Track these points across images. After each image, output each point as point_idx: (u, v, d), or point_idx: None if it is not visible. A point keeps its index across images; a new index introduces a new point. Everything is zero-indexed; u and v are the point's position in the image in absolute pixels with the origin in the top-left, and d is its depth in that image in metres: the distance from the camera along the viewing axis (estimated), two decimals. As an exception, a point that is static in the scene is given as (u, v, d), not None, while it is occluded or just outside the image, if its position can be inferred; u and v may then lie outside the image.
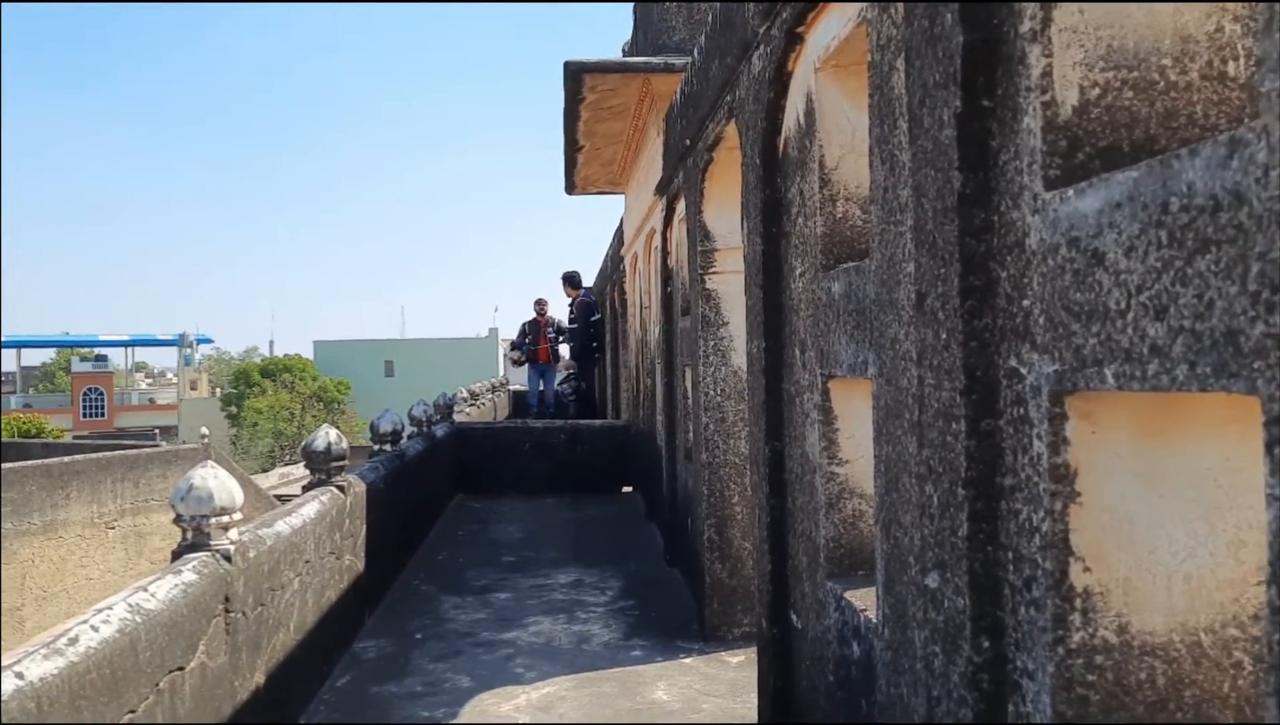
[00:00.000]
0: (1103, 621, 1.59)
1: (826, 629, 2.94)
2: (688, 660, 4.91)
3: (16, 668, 2.10)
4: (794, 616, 3.36)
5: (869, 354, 2.50)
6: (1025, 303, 1.68)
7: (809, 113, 3.08)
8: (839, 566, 2.96)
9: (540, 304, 14.76)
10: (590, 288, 15.22)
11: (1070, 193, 1.54)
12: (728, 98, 4.11)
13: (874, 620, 2.53)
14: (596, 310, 14.34)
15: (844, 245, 2.95)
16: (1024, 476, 1.70)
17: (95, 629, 2.43)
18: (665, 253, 6.75)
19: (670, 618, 5.65)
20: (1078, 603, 1.62)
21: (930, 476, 1.98)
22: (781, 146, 3.40)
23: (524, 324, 14.89)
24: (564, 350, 14.83)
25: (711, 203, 5.08)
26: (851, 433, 2.96)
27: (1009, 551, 1.76)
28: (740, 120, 3.86)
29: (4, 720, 1.98)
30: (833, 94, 2.98)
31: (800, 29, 3.09)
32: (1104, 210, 1.44)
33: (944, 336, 1.89)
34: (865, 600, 2.70)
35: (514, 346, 15.14)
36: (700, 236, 5.13)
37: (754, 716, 3.91)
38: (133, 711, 2.52)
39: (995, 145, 1.79)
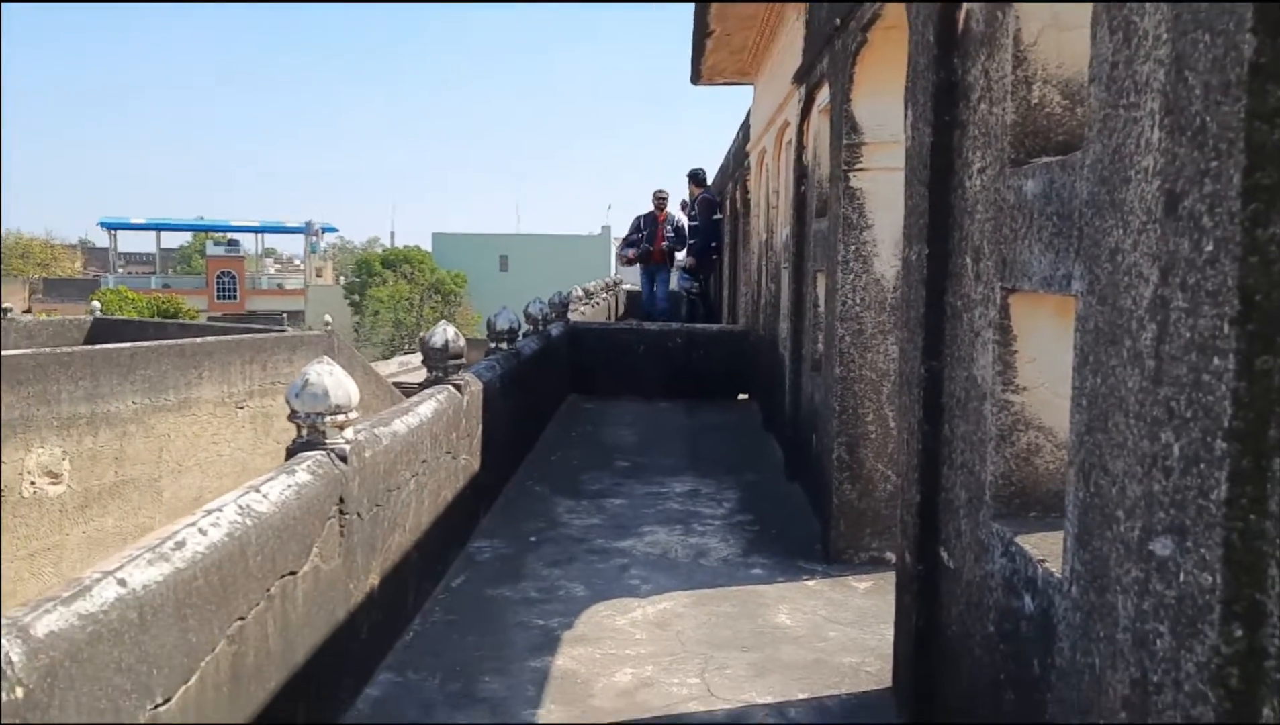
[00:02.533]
0: None
1: (989, 574, 2.62)
2: (810, 582, 4.66)
3: (119, 573, 1.96)
4: (944, 554, 3.03)
5: (1074, 266, 2.10)
6: (1341, 208, 1.28)
7: (1003, -22, 2.61)
8: (1007, 506, 2.61)
9: (660, 197, 13.24)
10: (710, 186, 14.64)
11: None
12: (893, -32, 3.61)
13: (1057, 574, 2.19)
14: (719, 209, 13.82)
15: (1039, 136, 2.52)
16: (1314, 431, 1.32)
17: (203, 532, 2.29)
18: (800, 147, 6.27)
19: (791, 535, 5.40)
20: (1379, 596, 1.26)
21: (1170, 421, 1.61)
22: (962, 21, 2.93)
23: (638, 218, 13.42)
24: (679, 252, 13.81)
25: (862, 91, 4.59)
26: (1033, 356, 2.57)
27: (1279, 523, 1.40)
28: (910, -8, 3.38)
29: (104, 630, 1.84)
30: (1038, -46, 2.50)
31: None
32: None
33: (1209, 248, 1.49)
34: (1042, 548, 2.36)
35: (626, 242, 13.71)
36: (846, 129, 4.67)
37: (884, 648, 3.65)
38: (241, 619, 2.40)
39: (1308, -2, 1.36)
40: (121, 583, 1.95)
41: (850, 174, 4.69)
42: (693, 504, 6.09)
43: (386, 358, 36.31)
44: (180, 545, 2.19)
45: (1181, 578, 1.56)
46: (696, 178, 13.36)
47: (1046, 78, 2.56)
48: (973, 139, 2.84)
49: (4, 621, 1.68)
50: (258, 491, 2.65)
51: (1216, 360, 1.47)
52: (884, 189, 4.58)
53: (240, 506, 2.51)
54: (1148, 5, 1.77)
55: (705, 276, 14.11)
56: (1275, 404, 1.40)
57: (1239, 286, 1.42)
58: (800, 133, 6.25)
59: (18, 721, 1.60)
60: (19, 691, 1.60)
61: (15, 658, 1.61)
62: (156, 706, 2.02)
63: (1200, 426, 1.51)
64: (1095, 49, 2.02)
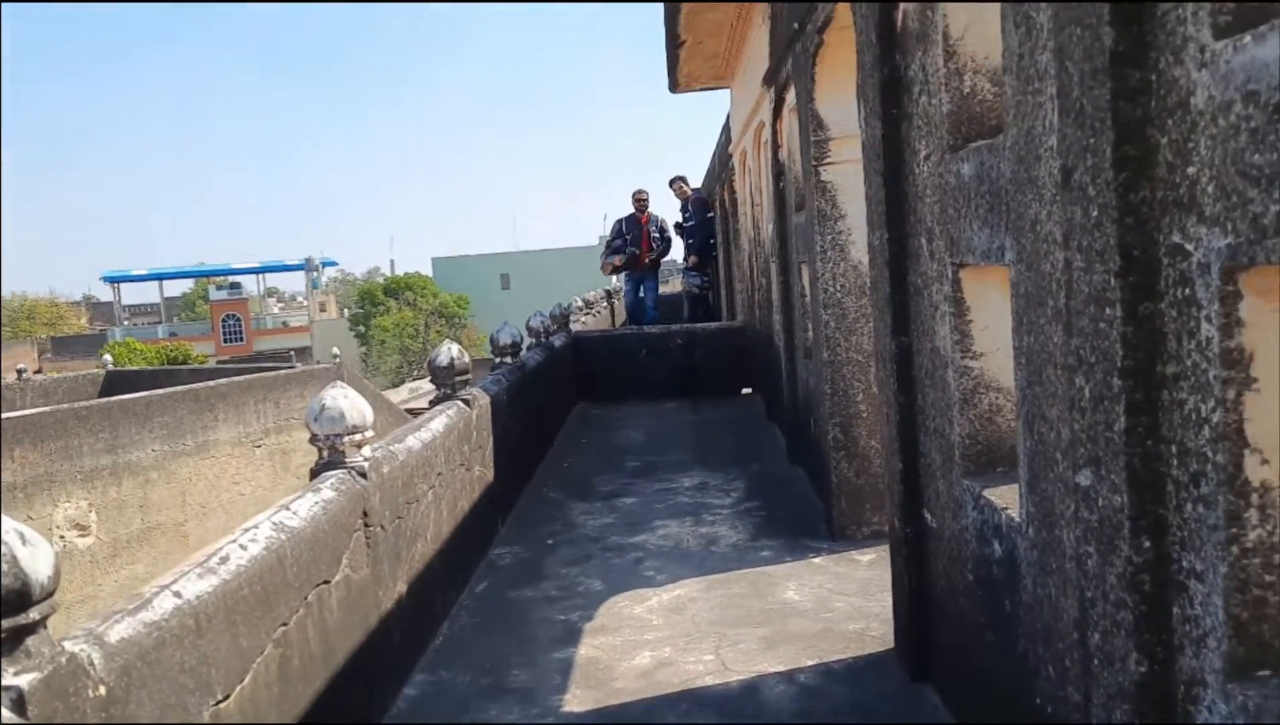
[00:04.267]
0: (1285, 518, 1.46)
1: (964, 528, 2.84)
2: (817, 560, 4.88)
3: (174, 587, 2.20)
4: (928, 515, 3.26)
5: (1005, 239, 2.34)
6: (1190, 171, 1.51)
7: (929, -20, 2.84)
8: (975, 464, 2.84)
9: (640, 199, 12.38)
10: (699, 188, 14.85)
11: (1246, 40, 1.35)
12: (838, -27, 3.85)
13: (1017, 518, 2.42)
14: (711, 207, 13.99)
15: (973, 122, 2.75)
16: (1189, 363, 1.55)
17: (244, 548, 2.53)
18: (775, 146, 6.51)
19: (797, 518, 5.62)
20: (1254, 498, 1.48)
21: (1080, 367, 1.84)
22: (900, 20, 3.17)
23: (619, 222, 12.55)
24: (677, 245, 13.38)
25: (824, 89, 4.83)
26: (985, 324, 2.80)
27: (1172, 445, 1.62)
28: (853, -4, 3.62)
29: (166, 636, 2.08)
30: (956, -43, 2.73)
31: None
32: (1291, 56, 1.26)
33: (1095, 214, 1.72)
34: (1005, 498, 2.58)
35: (609, 250, 12.64)
36: (813, 126, 4.90)
37: (889, 614, 3.86)
38: (285, 624, 2.64)
39: (1152, -6, 1.59)
40: (177, 594, 2.19)
41: (820, 168, 4.92)
42: (702, 496, 6.31)
43: (396, 386, 36.65)
44: (225, 560, 2.44)
45: (1100, 502, 1.79)
46: (683, 181, 13.53)
47: (976, 68, 2.79)
48: (918, 129, 3.07)
49: (80, 630, 1.92)
50: (288, 509, 2.89)
51: (1108, 310, 1.70)
52: (853, 180, 4.80)
53: (274, 523, 2.76)
54: (1040, 3, 2.00)
55: (709, 275, 14.22)
56: (1159, 343, 1.63)
57: (1119, 245, 1.65)
58: (774, 132, 6.48)
59: (104, 717, 1.84)
60: (101, 690, 1.84)
61: (96, 660, 1.85)
62: (217, 703, 2.26)
63: (1101, 369, 1.74)
64: (1005, 42, 2.26)
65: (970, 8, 2.75)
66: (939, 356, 3.01)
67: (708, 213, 13.76)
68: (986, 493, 2.68)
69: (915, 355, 3.28)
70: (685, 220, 13.47)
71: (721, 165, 12.90)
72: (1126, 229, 1.64)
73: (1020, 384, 2.30)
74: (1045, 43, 1.98)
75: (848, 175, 4.80)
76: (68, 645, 1.83)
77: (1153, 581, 1.66)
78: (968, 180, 2.61)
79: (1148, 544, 1.66)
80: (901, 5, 3.15)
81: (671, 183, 13.60)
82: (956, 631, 3.05)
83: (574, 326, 11.14)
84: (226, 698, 2.30)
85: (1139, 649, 1.67)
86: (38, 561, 1.78)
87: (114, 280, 58.56)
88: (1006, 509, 2.52)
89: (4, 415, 11.27)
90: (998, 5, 2.57)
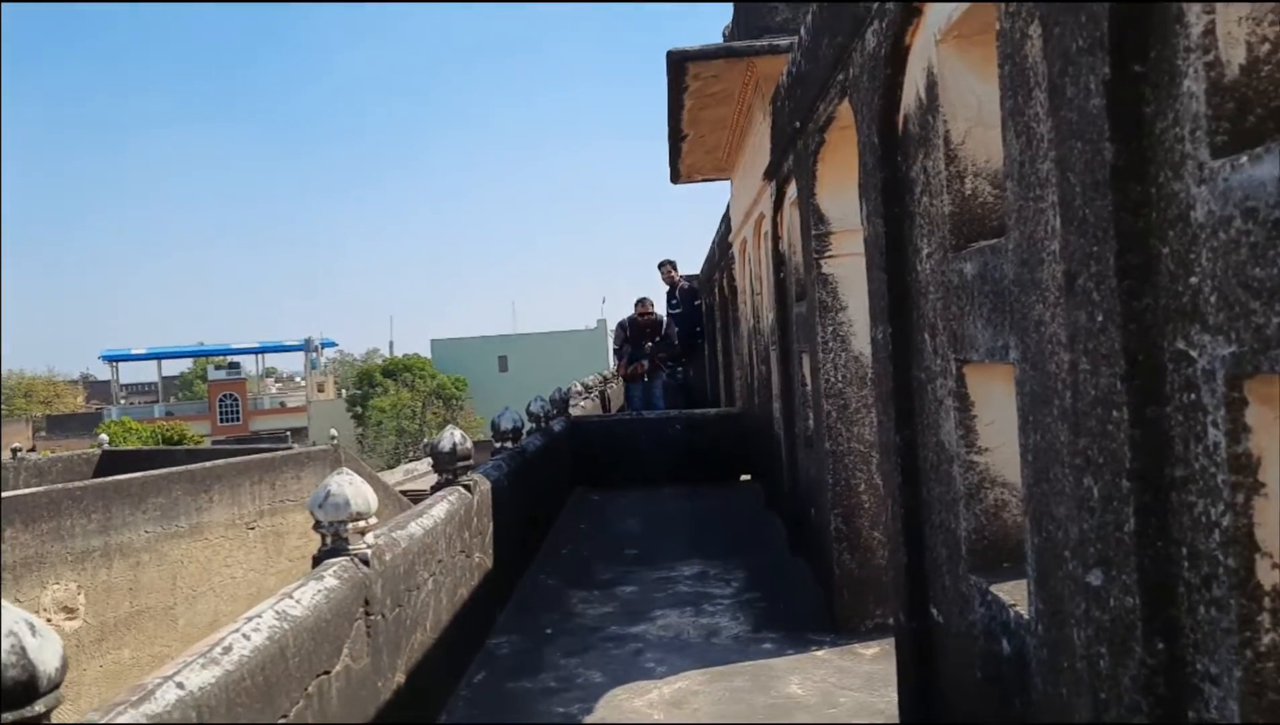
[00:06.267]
0: (1298, 623, 1.46)
1: (971, 624, 2.83)
2: (820, 653, 4.82)
3: (177, 678, 2.18)
4: (934, 610, 3.24)
5: (1010, 338, 2.38)
6: (1193, 281, 1.55)
7: (930, 87, 2.95)
8: (982, 559, 2.84)
9: (643, 308, 12.83)
10: (691, 277, 14.98)
11: (1244, 160, 1.41)
12: (840, 76, 3.99)
13: (1026, 616, 2.41)
14: (699, 295, 14.08)
15: (975, 223, 2.82)
16: (1198, 467, 1.57)
17: (247, 637, 2.51)
18: (776, 238, 6.63)
19: (798, 609, 5.56)
20: (1266, 602, 1.49)
21: (1089, 468, 1.86)
22: (901, 124, 3.28)
23: (621, 327, 13.09)
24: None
25: (825, 185, 4.95)
26: (991, 419, 2.83)
27: (1183, 547, 1.64)
28: (855, 99, 3.74)
29: (170, 729, 2.05)
30: (956, 66, 2.85)
31: (917, 1, 2.96)
32: (1288, 177, 1.31)
33: (1100, 319, 1.77)
34: (1014, 595, 2.58)
35: (616, 353, 13.31)
36: (814, 220, 5.01)
37: (893, 711, 3.81)
38: (285, 716, 2.60)
39: (1150, 112, 1.66)
40: (180, 685, 2.17)
41: (821, 261, 5.01)
42: (702, 585, 6.26)
43: (391, 467, 36.44)
44: (228, 650, 2.41)
45: (1112, 603, 1.80)
46: (672, 266, 13.55)
47: (977, 171, 2.88)
48: (919, 227, 3.15)
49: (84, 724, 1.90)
50: (291, 597, 2.88)
51: (1115, 412, 1.73)
52: (854, 273, 4.90)
53: (277, 612, 2.74)
54: (1042, 114, 2.08)
55: (687, 362, 14.25)
56: (1165, 446, 1.66)
57: (1124, 349, 1.69)
58: (775, 224, 6.61)
59: (102, 813, 1.81)
60: (103, 785, 1.82)
61: (100, 754, 1.83)
62: (216, 800, 2.22)
63: (1110, 470, 1.77)
64: (1006, 149, 2.34)
65: (969, 115, 2.85)
66: (944, 451, 3.03)
67: (694, 301, 13.85)
68: (994, 589, 2.67)
69: (919, 449, 3.30)
70: (672, 307, 13.57)
71: (721, 253, 13.09)
72: (1131, 334, 1.68)
73: (1027, 481, 2.32)
74: (1047, 152, 2.05)
75: (848, 268, 4.89)
76: (73, 739, 1.81)
77: (1167, 684, 1.66)
78: (970, 279, 2.67)
79: (1161, 646, 1.67)
80: (903, 110, 3.26)
81: (660, 266, 13.65)
82: (965, 730, 3.00)
83: (573, 411, 11.16)
84: (226, 794, 2.26)
85: (1155, 754, 1.66)
86: (45, 653, 1.77)
87: (112, 359, 58.72)
88: (1014, 606, 2.51)
89: (2, 495, 11.18)
90: (998, 113, 2.67)
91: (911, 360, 3.31)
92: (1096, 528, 1.84)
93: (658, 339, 12.92)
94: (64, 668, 1.80)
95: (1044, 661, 2.26)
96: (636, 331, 12.95)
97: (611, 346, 13.75)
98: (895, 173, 3.31)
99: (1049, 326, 2.09)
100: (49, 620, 11.79)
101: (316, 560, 3.41)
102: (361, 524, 3.49)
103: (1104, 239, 1.73)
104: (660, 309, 13.49)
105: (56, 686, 1.79)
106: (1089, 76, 1.75)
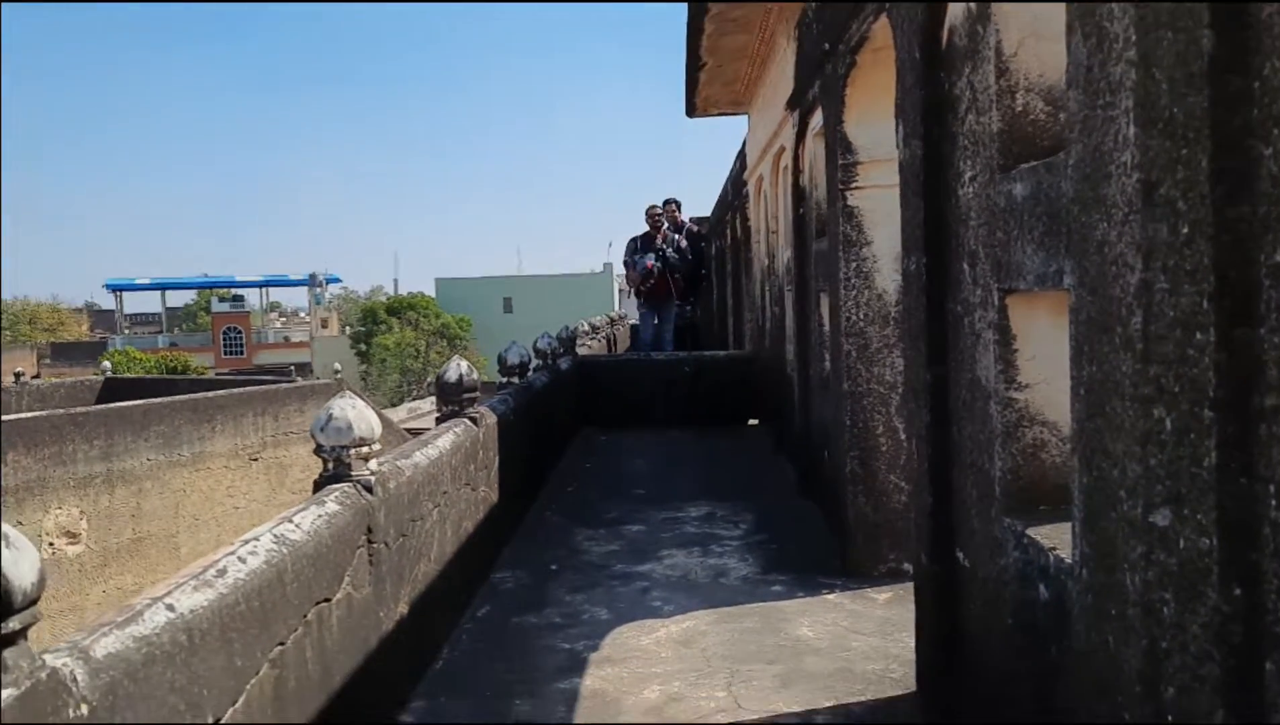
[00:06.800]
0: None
1: (1004, 569, 2.69)
2: (831, 596, 4.72)
3: (167, 599, 2.05)
4: (960, 554, 3.11)
5: (1065, 262, 2.20)
6: (1302, 184, 1.38)
7: (982, -5, 2.74)
8: (1017, 501, 2.69)
9: (655, 215, 11.89)
10: (697, 219, 14.71)
11: (1382, 39, 1.22)
12: (877, -8, 3.75)
13: (1067, 560, 2.27)
14: (710, 236, 13.81)
15: (1025, 142, 2.63)
16: (1294, 395, 1.41)
17: (243, 560, 2.38)
18: (797, 171, 6.41)
19: (808, 552, 5.45)
20: (1365, 546, 1.34)
21: (1161, 397, 1.70)
22: (945, 37, 3.06)
23: (633, 241, 12.16)
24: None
25: (854, 112, 4.73)
26: (1033, 354, 2.66)
27: (1270, 484, 1.48)
28: (894, 14, 3.52)
29: (156, 652, 1.93)
30: (1013, -31, 2.63)
31: (972, -101, 2.73)
32: None
33: (1184, 231, 1.59)
34: (1052, 538, 2.44)
35: (626, 264, 12.31)
36: (841, 149, 4.80)
37: (909, 656, 3.70)
38: (282, 644, 2.48)
39: (1258, -5, 1.47)
40: (170, 608, 2.04)
41: (847, 193, 4.81)
42: (709, 527, 6.15)
43: (395, 404, 36.44)
44: (222, 573, 2.28)
45: (1182, 545, 1.64)
46: (676, 205, 13.07)
47: (1029, 86, 2.68)
48: (962, 149, 2.95)
49: (65, 644, 1.77)
50: (290, 522, 2.74)
51: (1199, 335, 1.56)
52: (880, 206, 4.70)
53: (275, 535, 2.60)
54: (1115, 9, 1.88)
55: (695, 303, 13.96)
56: (1255, 372, 1.49)
57: (1214, 264, 1.52)
58: (796, 157, 6.39)
59: (83, 738, 1.68)
60: (84, 709, 1.69)
61: (80, 677, 1.70)
62: (207, 727, 2.10)
63: (1188, 399, 1.60)
64: (1071, 55, 2.14)
65: (1022, 25, 2.64)
66: (979, 388, 2.87)
67: (699, 242, 13.58)
68: (1030, 531, 2.53)
69: (951, 386, 3.14)
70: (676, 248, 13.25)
71: (735, 192, 12.82)
72: (1223, 247, 1.51)
73: (1078, 416, 2.15)
74: (1122, 53, 1.86)
75: (875, 200, 4.69)
76: (49, 659, 1.68)
77: (1244, 634, 1.52)
78: (1020, 201, 2.48)
79: (1239, 592, 1.52)
80: (948, 22, 3.05)
81: (665, 205, 13.17)
82: (989, 678, 2.89)
83: (580, 350, 11.01)
84: (217, 721, 2.14)
85: (1226, 707, 1.52)
86: (21, 566, 1.63)
87: (117, 288, 58.54)
88: (1055, 549, 2.37)
89: (2, 418, 11.10)
90: (1055, 18, 2.46)
91: (946, 292, 3.13)
92: (1167, 463, 1.69)
93: (674, 253, 12.02)
94: (41, 583, 1.67)
95: (1088, 607, 2.12)
96: (647, 243, 12.17)
97: (621, 259, 12.85)
98: (937, 91, 3.10)
99: (1114, 246, 1.91)
100: (51, 544, 11.80)
101: (318, 485, 3.27)
102: (365, 450, 3.35)
103: (1196, 140, 1.55)
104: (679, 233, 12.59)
105: (33, 603, 1.65)
106: (1188, -44, 1.55)
